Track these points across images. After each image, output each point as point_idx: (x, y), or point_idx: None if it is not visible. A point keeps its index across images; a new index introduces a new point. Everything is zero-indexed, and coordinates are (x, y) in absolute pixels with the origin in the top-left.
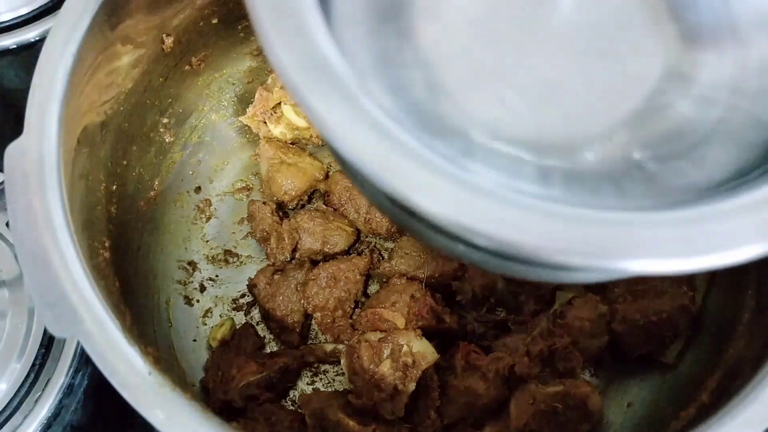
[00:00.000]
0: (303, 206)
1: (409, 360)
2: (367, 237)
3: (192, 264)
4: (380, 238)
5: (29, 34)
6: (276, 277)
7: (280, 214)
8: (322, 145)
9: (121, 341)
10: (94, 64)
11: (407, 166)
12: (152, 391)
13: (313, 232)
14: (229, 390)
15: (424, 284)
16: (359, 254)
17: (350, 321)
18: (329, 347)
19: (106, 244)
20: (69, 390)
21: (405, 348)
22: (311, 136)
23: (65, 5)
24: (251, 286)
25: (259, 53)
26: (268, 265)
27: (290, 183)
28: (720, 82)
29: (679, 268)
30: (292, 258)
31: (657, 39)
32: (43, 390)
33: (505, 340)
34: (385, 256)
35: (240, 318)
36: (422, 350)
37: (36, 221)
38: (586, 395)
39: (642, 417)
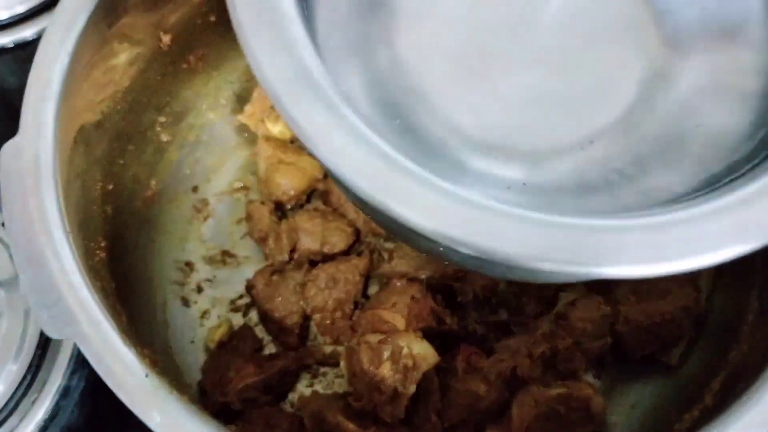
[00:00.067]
0: (302, 206)
1: (410, 362)
2: (366, 237)
3: (189, 264)
4: (380, 239)
5: (25, 33)
6: (274, 278)
7: (279, 214)
8: None
9: (118, 343)
10: (91, 62)
11: (382, 171)
12: (149, 393)
13: (312, 233)
14: (226, 392)
15: (424, 285)
16: (359, 255)
17: (350, 322)
18: (328, 349)
19: (103, 245)
20: (66, 392)
21: (405, 350)
22: None
23: (61, 3)
24: (249, 287)
25: None
26: (267, 266)
27: (289, 182)
28: (698, 87)
29: (652, 273)
30: (291, 258)
31: (640, 45)
32: (39, 392)
33: (506, 342)
34: (385, 256)
35: (238, 319)
36: (423, 352)
37: (32, 221)
38: (588, 397)
39: (645, 419)
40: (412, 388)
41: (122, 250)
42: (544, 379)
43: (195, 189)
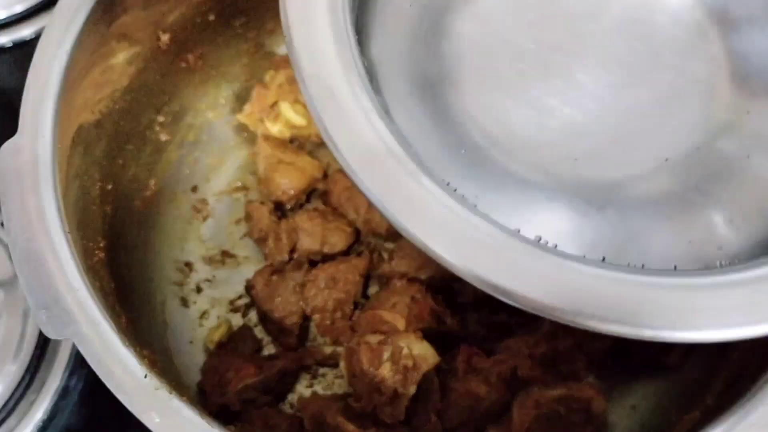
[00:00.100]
0: (301, 206)
1: (410, 362)
2: (366, 237)
3: (188, 265)
4: (380, 239)
5: (24, 32)
6: (274, 278)
7: (278, 213)
8: (321, 144)
9: (117, 343)
10: (90, 61)
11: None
12: (148, 394)
13: (312, 233)
14: (226, 393)
15: (424, 285)
16: (359, 255)
17: (349, 323)
18: (328, 349)
19: (102, 245)
20: (64, 392)
21: (405, 350)
22: (310, 135)
23: (60, 2)
24: (249, 287)
25: (257, 50)
26: (266, 266)
27: (288, 182)
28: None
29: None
30: (291, 259)
31: (709, 80)
32: (38, 392)
33: (507, 343)
34: (385, 256)
35: (237, 320)
36: (423, 352)
37: (30, 221)
38: (589, 398)
39: (646, 420)
40: (412, 389)
41: (121, 250)
42: (544, 379)
43: (194, 189)
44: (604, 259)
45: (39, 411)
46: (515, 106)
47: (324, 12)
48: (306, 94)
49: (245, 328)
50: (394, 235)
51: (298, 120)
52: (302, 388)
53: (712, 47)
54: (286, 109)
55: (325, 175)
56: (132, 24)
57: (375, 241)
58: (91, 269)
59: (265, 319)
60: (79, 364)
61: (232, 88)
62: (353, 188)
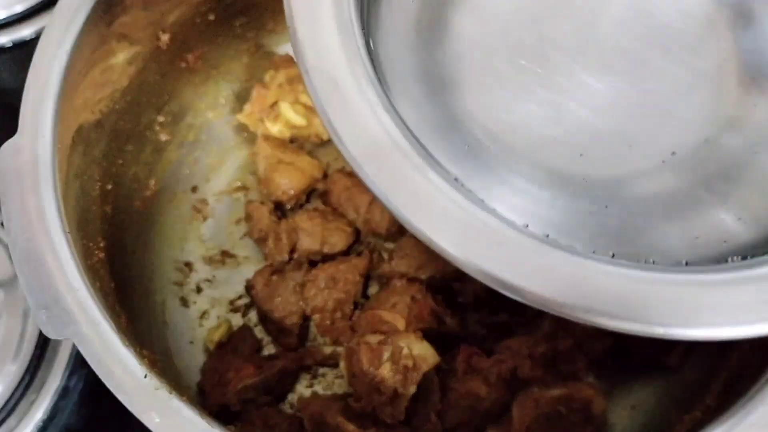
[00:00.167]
0: (301, 206)
1: (410, 362)
2: (366, 237)
3: (188, 265)
4: (380, 239)
5: (24, 32)
6: (274, 278)
7: (278, 213)
8: (321, 144)
9: (117, 343)
10: (90, 61)
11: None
12: (148, 394)
13: (312, 233)
14: (226, 393)
15: (424, 285)
16: (358, 255)
17: (349, 323)
18: (328, 350)
19: (102, 245)
20: (64, 392)
21: (405, 350)
22: (309, 135)
23: (60, 2)
24: (249, 287)
25: (257, 50)
26: (266, 266)
27: (288, 182)
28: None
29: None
30: (291, 259)
31: (716, 76)
32: (38, 392)
33: (507, 343)
34: (385, 256)
35: (237, 320)
36: (423, 353)
37: (30, 221)
38: (589, 398)
39: (646, 420)
40: (412, 389)
41: (121, 250)
42: (544, 379)
43: (194, 189)
44: (613, 256)
45: (39, 411)
46: (518, 103)
47: (328, 3)
48: (310, 87)
49: (245, 328)
50: (394, 235)
51: (298, 120)
52: (302, 388)
53: (720, 42)
54: (286, 109)
55: (325, 175)
56: (132, 24)
57: (375, 241)
58: (91, 269)
59: (265, 319)
60: (79, 364)
61: (232, 88)
62: (353, 188)
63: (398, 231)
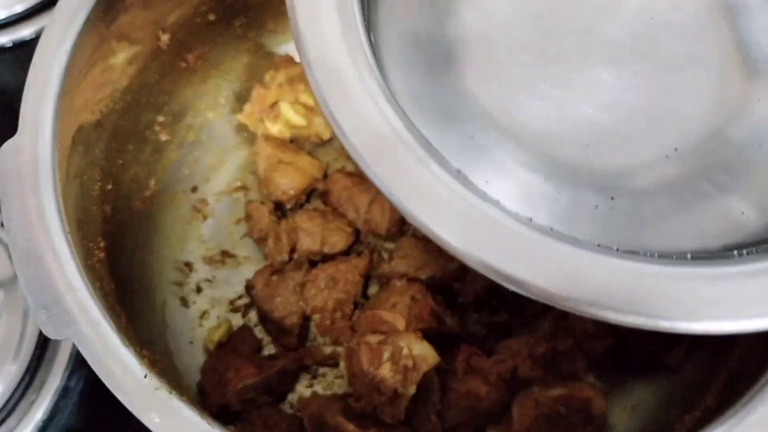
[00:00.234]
0: (301, 206)
1: (410, 363)
2: (366, 237)
3: (188, 265)
4: (380, 239)
5: (24, 32)
6: (274, 278)
7: (278, 213)
8: (321, 144)
9: (117, 343)
10: (90, 61)
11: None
12: (148, 394)
13: (312, 233)
14: (226, 393)
15: (424, 285)
16: (358, 255)
17: (349, 323)
18: (328, 350)
19: (102, 245)
20: (64, 392)
21: (405, 350)
22: (309, 135)
23: (60, 2)
24: (249, 287)
25: (257, 50)
26: (266, 266)
27: (288, 182)
28: None
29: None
30: (291, 259)
31: (719, 67)
32: (38, 392)
33: (507, 343)
34: (385, 256)
35: (237, 320)
36: (423, 353)
37: (30, 221)
38: (589, 398)
39: (646, 420)
40: (412, 389)
41: (121, 250)
42: (544, 380)
43: (194, 189)
44: (618, 249)
45: (39, 411)
46: (523, 96)
47: None
48: (311, 78)
49: (245, 328)
50: (394, 235)
51: (298, 120)
52: (302, 388)
53: (722, 35)
54: (286, 109)
55: (325, 175)
56: (132, 24)
57: (375, 241)
58: (91, 269)
59: (265, 319)
60: (79, 364)
61: (232, 88)
62: (353, 188)
63: (398, 231)
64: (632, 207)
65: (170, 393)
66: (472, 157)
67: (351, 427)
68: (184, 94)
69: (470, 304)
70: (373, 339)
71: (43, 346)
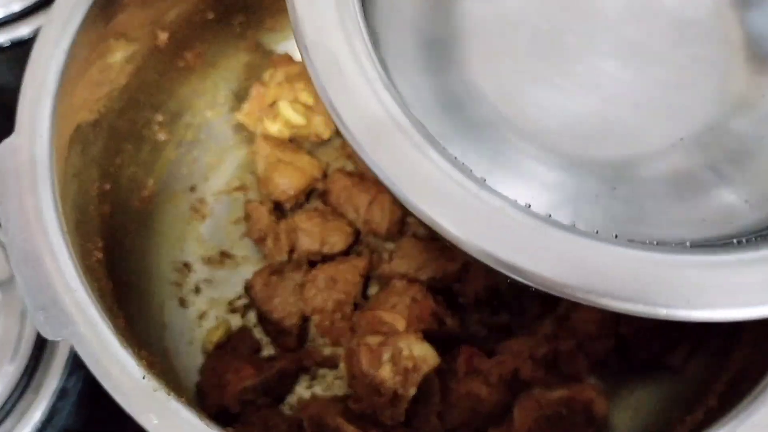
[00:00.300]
0: (301, 206)
1: (410, 364)
2: (366, 237)
3: (187, 265)
4: (380, 239)
5: (22, 31)
6: (273, 278)
7: (278, 213)
8: (320, 144)
9: (115, 344)
10: (87, 60)
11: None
12: (146, 396)
13: (311, 233)
14: (224, 394)
15: (425, 286)
16: (358, 255)
17: (349, 324)
18: (327, 351)
19: (100, 245)
20: (62, 393)
21: (405, 351)
22: (309, 134)
23: (57, 0)
24: (248, 287)
25: (256, 49)
26: (265, 267)
27: (288, 182)
28: None
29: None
30: (290, 259)
31: (725, 61)
32: (36, 394)
33: (508, 344)
34: (385, 257)
35: (236, 320)
36: (423, 354)
37: (28, 221)
38: (591, 399)
39: (648, 421)
40: (413, 391)
41: (119, 250)
42: (546, 381)
43: (193, 188)
44: (616, 236)
45: (37, 412)
46: (528, 86)
47: None
48: (309, 64)
49: (244, 329)
50: (394, 235)
51: (297, 119)
52: (301, 390)
53: (729, 29)
54: (285, 108)
55: (325, 175)
56: (130, 22)
57: (375, 242)
58: (89, 269)
59: (264, 319)
60: (77, 365)
61: (231, 87)
62: (353, 188)
63: (398, 231)
64: (633, 196)
65: (168, 394)
66: (472, 144)
67: (351, 428)
68: (182, 93)
69: (471, 305)
70: (373, 340)
71: (41, 347)
